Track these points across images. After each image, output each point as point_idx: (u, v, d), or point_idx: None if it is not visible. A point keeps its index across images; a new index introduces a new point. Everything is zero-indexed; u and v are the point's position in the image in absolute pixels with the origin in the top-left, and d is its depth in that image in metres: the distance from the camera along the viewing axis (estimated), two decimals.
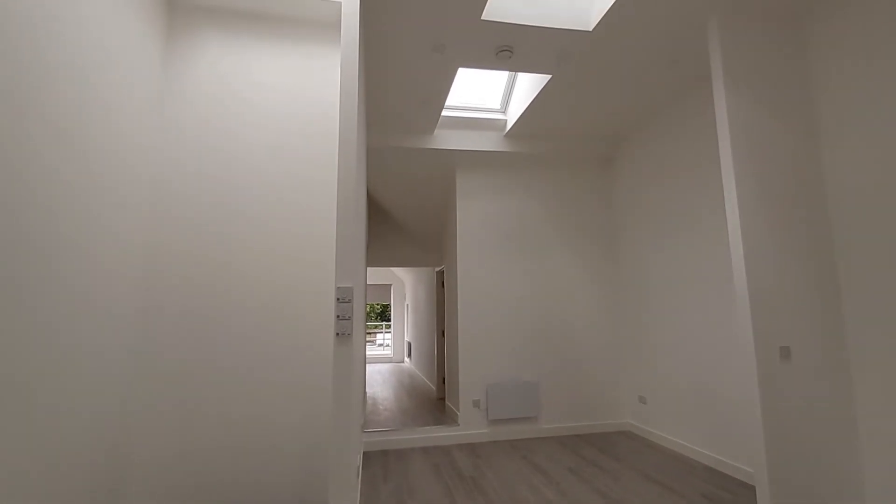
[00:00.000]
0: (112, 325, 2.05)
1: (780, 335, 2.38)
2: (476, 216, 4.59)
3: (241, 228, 2.50)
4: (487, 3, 2.65)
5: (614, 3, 2.59)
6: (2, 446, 1.43)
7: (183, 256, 2.41)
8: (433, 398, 6.34)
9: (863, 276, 2.35)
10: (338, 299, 1.85)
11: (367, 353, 11.96)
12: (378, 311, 19.55)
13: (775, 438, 2.27)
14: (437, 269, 6.80)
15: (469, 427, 4.22)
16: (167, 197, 2.44)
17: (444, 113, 4.23)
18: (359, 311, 2.32)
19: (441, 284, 6.66)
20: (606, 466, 3.41)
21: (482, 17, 2.71)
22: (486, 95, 4.41)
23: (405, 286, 12.28)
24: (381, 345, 14.99)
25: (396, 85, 3.48)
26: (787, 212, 2.50)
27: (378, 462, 3.65)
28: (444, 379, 6.20)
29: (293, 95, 2.67)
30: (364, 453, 3.85)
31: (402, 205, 5.82)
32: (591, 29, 2.83)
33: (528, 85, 3.85)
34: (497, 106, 4.41)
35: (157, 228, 2.40)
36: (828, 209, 2.54)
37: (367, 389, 7.28)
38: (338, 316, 1.85)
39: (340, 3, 2.45)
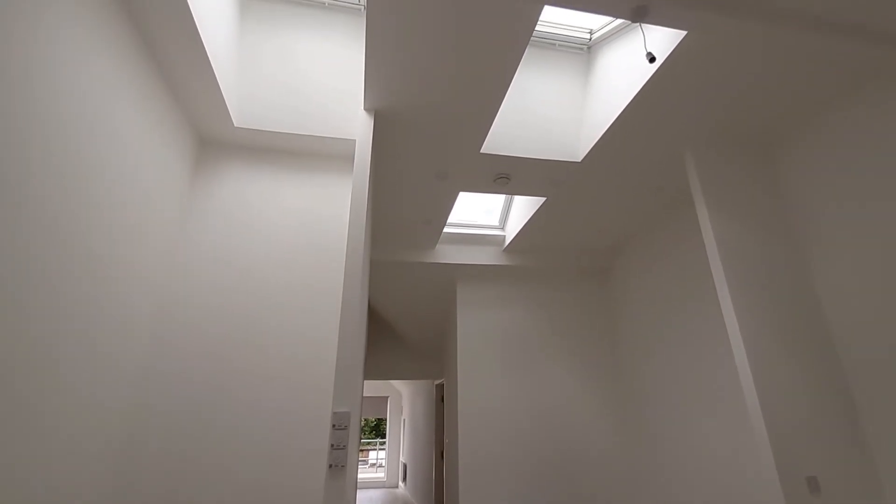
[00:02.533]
0: (104, 423, 1.92)
1: (805, 464, 2.22)
2: (477, 328, 4.56)
3: (242, 342, 2.48)
4: (486, 139, 2.95)
5: (600, 138, 2.89)
6: None
7: (182, 363, 2.37)
8: None
9: (875, 387, 2.27)
10: (333, 426, 1.76)
11: (359, 475, 10.93)
12: (372, 426, 18.29)
13: None
14: (437, 382, 6.55)
15: None
16: (173, 306, 2.46)
17: (446, 230, 4.46)
18: (354, 437, 2.19)
19: (440, 399, 6.36)
20: None
21: (481, 151, 3.00)
22: (485, 213, 4.69)
23: (402, 398, 11.67)
24: (373, 465, 13.76)
25: (402, 206, 3.72)
26: (789, 329, 2.50)
27: None
28: None
29: (304, 222, 2.83)
30: None
31: (403, 316, 5.82)
32: (580, 160, 3.11)
33: (525, 204, 4.12)
34: (496, 223, 4.66)
35: (159, 349, 2.38)
36: (828, 323, 2.54)
37: None
38: (332, 445, 1.74)
39: (355, 140, 2.74)
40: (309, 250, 2.76)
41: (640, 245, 4.41)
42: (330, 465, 1.71)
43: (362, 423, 15.88)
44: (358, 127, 2.48)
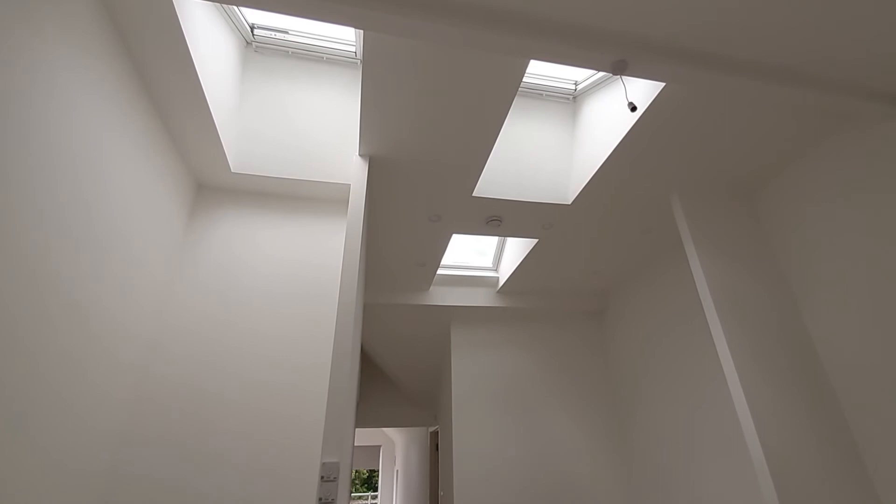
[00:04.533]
0: (76, 484, 1.81)
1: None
2: (472, 371, 4.47)
3: (226, 396, 2.40)
4: (478, 183, 3.02)
5: (588, 182, 2.97)
6: None
7: (162, 417, 2.27)
8: None
9: (874, 428, 2.22)
10: (322, 477, 1.69)
11: None
12: (364, 478, 17.43)
13: None
14: (432, 429, 6.33)
15: None
16: (157, 355, 2.40)
17: (439, 271, 4.46)
18: (343, 489, 2.09)
19: (435, 447, 6.12)
20: None
21: (473, 194, 3.06)
22: (479, 255, 4.72)
23: (396, 447, 11.20)
24: None
25: (396, 249, 3.74)
26: (785, 369, 2.47)
27: None
28: None
29: (297, 268, 2.81)
30: None
31: (397, 361, 5.70)
32: (570, 203, 3.18)
33: (518, 246, 4.16)
34: (489, 264, 4.68)
35: (139, 407, 2.30)
36: (822, 362, 2.52)
37: None
38: (320, 498, 1.66)
39: (350, 184, 2.79)
40: (302, 298, 2.74)
41: (633, 286, 4.43)
42: None
43: (353, 476, 15.15)
44: (353, 172, 2.53)
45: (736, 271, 2.74)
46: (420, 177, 2.86)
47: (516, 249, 4.18)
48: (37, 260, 1.59)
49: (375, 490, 12.48)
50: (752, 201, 3.05)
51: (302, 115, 2.97)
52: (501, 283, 4.51)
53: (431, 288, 4.52)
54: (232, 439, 2.30)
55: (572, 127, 3.28)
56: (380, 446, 11.70)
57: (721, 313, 2.57)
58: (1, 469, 1.49)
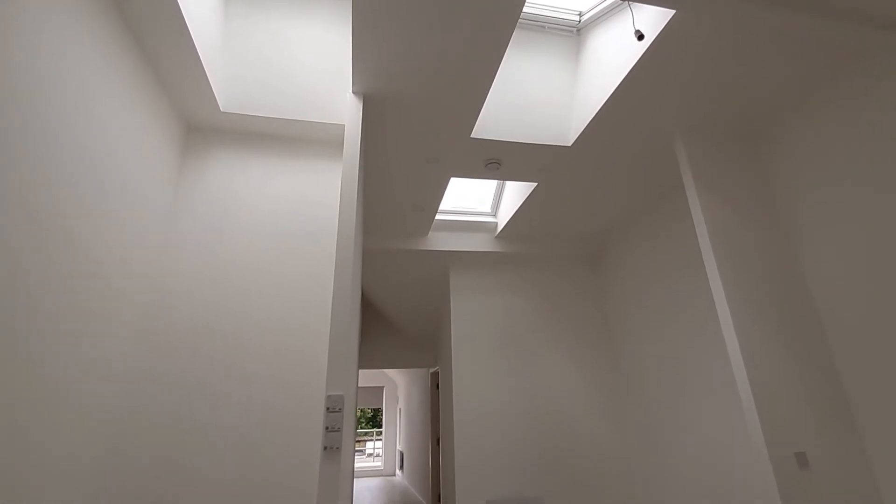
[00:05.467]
0: (88, 421, 1.91)
1: (794, 439, 2.26)
2: (470, 315, 4.57)
3: (232, 332, 2.46)
4: (476, 123, 2.94)
5: (590, 122, 2.88)
6: None
7: (170, 356, 2.34)
8: None
9: (860, 365, 2.32)
10: (328, 408, 1.77)
11: (356, 464, 10.99)
12: (369, 416, 18.39)
13: None
14: (432, 370, 6.58)
15: None
16: (162, 296, 2.44)
17: (438, 217, 4.44)
18: (349, 421, 2.20)
19: (436, 386, 6.40)
20: None
21: (472, 136, 2.99)
22: (477, 199, 4.68)
23: (398, 388, 11.73)
24: (370, 454, 13.85)
25: (393, 193, 3.70)
26: (778, 310, 2.53)
27: None
28: (439, 495, 5.65)
29: (294, 208, 2.79)
30: None
31: (397, 305, 5.82)
32: (570, 144, 3.11)
33: (517, 190, 4.12)
34: (488, 209, 4.66)
35: (147, 324, 2.36)
36: (815, 304, 2.58)
37: None
38: (327, 427, 1.74)
39: (343, 125, 2.71)
40: (300, 237, 2.74)
41: (632, 230, 4.44)
42: (325, 448, 1.72)
43: (358, 414, 15.97)
44: (346, 111, 2.45)
45: (735, 214, 2.73)
46: (416, 116, 2.77)
47: (515, 194, 4.14)
48: (39, 198, 1.57)
49: (380, 427, 13.20)
50: (757, 143, 2.98)
51: (292, 50, 2.82)
52: (500, 228, 4.51)
53: (430, 233, 4.52)
54: (239, 376, 2.39)
55: (575, 63, 3.13)
56: (382, 387, 12.24)
57: (718, 255, 2.59)
58: (20, 402, 1.55)
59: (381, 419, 12.55)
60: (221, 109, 2.65)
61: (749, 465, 3.00)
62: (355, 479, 9.79)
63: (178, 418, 2.26)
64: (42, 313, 1.64)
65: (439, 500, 5.63)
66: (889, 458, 2.19)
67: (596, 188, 3.75)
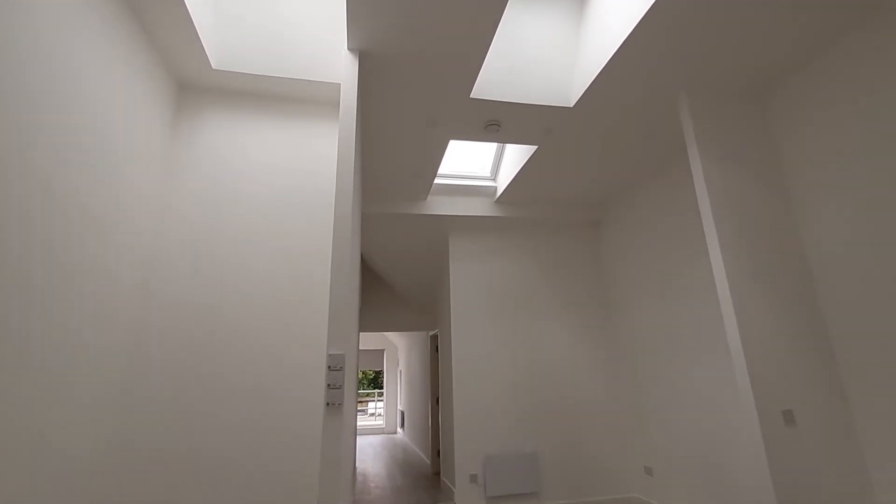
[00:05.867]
0: (98, 370, 1.97)
1: (782, 398, 2.34)
2: (469, 279, 4.61)
3: (233, 290, 2.49)
4: (476, 83, 2.86)
5: (593, 81, 2.80)
6: None
7: (173, 312, 2.38)
8: (428, 474, 5.97)
9: (852, 332, 2.36)
10: (329, 367, 1.81)
11: (359, 423, 11.39)
12: (370, 378, 18.88)
13: None
14: (431, 333, 6.70)
15: None
16: (163, 254, 2.45)
17: (437, 181, 4.40)
18: (350, 380, 2.26)
19: (435, 349, 6.53)
20: None
21: (471, 96, 2.91)
22: (476, 163, 4.62)
23: (398, 351, 11.99)
24: (372, 414, 14.32)
25: (391, 156, 3.65)
26: (773, 272, 2.55)
27: None
28: (438, 451, 5.88)
29: (292, 169, 2.77)
30: None
31: (396, 269, 5.86)
32: (572, 105, 3.04)
33: (517, 153, 4.06)
34: (487, 174, 4.61)
35: (149, 281, 2.39)
36: (810, 268, 2.60)
37: (358, 464, 6.85)
38: (328, 384, 1.79)
39: (339, 84, 2.64)
40: (298, 197, 2.72)
41: (631, 196, 4.41)
42: (327, 404, 1.77)
43: (360, 376, 16.37)
44: (342, 68, 2.38)
45: (737, 177, 2.70)
46: (414, 75, 2.69)
47: (515, 158, 4.08)
48: (19, 170, 1.55)
49: (381, 388, 13.58)
50: (763, 104, 2.91)
51: (286, 6, 2.71)
52: (499, 192, 4.48)
53: (429, 197, 4.49)
54: (240, 339, 2.43)
55: (578, 20, 3.02)
56: (383, 350, 12.51)
57: (717, 218, 2.59)
58: (8, 393, 1.58)
59: (383, 381, 12.88)
60: (213, 67, 2.57)
61: (738, 424, 3.11)
62: (358, 437, 10.16)
63: (181, 365, 2.32)
64: (47, 270, 1.65)
65: (439, 456, 5.87)
66: (873, 418, 2.27)
67: (597, 153, 3.69)
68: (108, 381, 2.09)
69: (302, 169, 2.78)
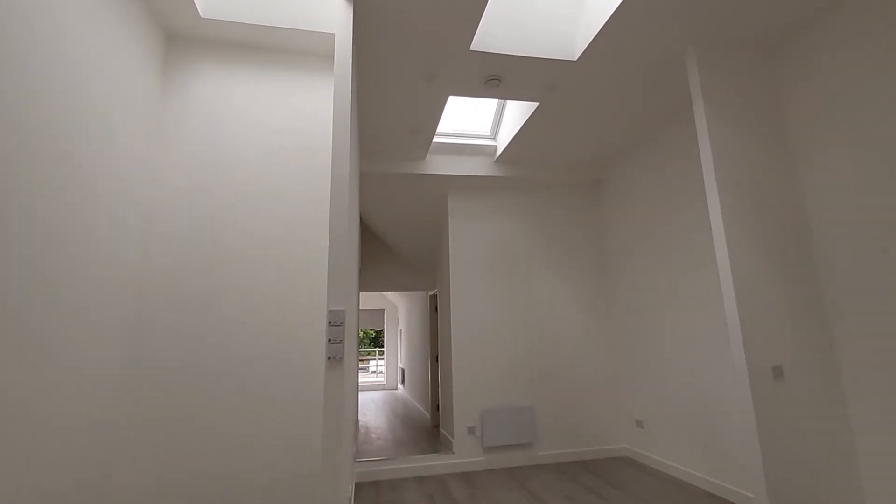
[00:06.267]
0: (100, 337, 2.02)
1: (772, 354, 2.39)
2: (468, 240, 4.62)
3: (232, 250, 2.49)
4: (476, 35, 2.74)
5: (598, 33, 2.69)
6: None
7: (173, 275, 2.40)
8: (427, 426, 6.21)
9: (847, 292, 2.39)
10: (329, 323, 1.84)
11: (360, 380, 11.74)
12: (371, 338, 19.31)
13: (773, 459, 2.25)
14: (431, 293, 6.78)
15: (464, 455, 4.13)
16: (159, 215, 2.44)
17: (436, 139, 4.32)
18: (351, 336, 2.30)
19: (434, 308, 6.63)
20: (605, 494, 3.34)
21: (471, 48, 2.80)
22: (476, 122, 4.51)
23: (398, 311, 12.19)
24: (373, 371, 14.75)
25: (389, 113, 3.56)
26: (772, 235, 2.55)
27: (370, 493, 3.54)
28: (438, 406, 6.10)
29: (286, 124, 2.71)
30: (356, 484, 3.73)
31: (395, 229, 5.85)
32: (576, 59, 2.93)
33: (517, 112, 3.96)
34: (487, 132, 4.51)
35: (148, 245, 2.39)
36: (810, 228, 2.60)
37: (360, 418, 7.12)
38: (329, 339, 1.83)
39: (333, 34, 2.54)
40: (293, 152, 2.67)
41: (634, 157, 4.34)
42: (328, 358, 1.82)
43: (362, 335, 16.71)
44: (336, 17, 2.27)
45: (741, 133, 2.65)
46: (412, 26, 2.58)
47: (516, 115, 3.99)
48: (6, 128, 1.50)
49: (382, 347, 13.91)
50: (772, 59, 2.81)
51: None
52: (499, 151, 4.40)
53: (428, 156, 4.42)
54: (241, 296, 2.46)
55: None
56: (383, 310, 12.72)
57: (719, 175, 2.56)
58: (26, 320, 1.61)
59: (383, 340, 13.17)
60: (201, 15, 2.45)
61: (728, 380, 3.21)
62: (360, 393, 10.51)
63: (187, 334, 2.36)
64: (42, 230, 1.65)
65: (438, 410, 6.08)
66: (860, 376, 2.33)
67: (600, 110, 3.60)
68: (109, 346, 2.12)
69: (299, 123, 2.72)
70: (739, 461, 3.10)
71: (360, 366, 11.46)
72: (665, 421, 3.85)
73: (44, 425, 1.68)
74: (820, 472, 2.28)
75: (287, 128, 2.70)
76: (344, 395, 1.85)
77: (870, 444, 2.28)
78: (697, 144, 3.51)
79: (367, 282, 6.98)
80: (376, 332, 18.30)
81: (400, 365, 11.80)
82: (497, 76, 3.12)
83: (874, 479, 2.25)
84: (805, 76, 2.61)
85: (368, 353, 15.67)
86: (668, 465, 3.77)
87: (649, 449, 4.06)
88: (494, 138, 4.51)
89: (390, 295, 11.58)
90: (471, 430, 4.18)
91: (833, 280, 2.47)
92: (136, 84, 2.29)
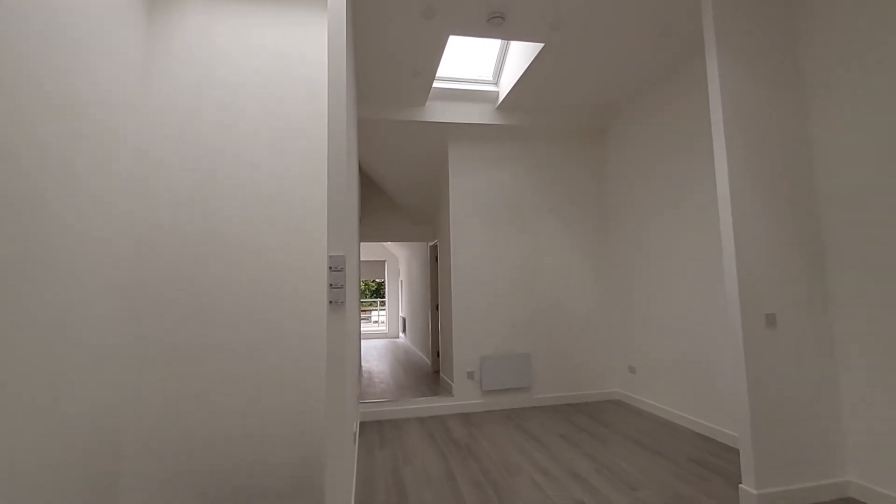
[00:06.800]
0: (101, 309, 2.05)
1: (766, 303, 2.43)
2: (468, 189, 4.57)
3: (227, 201, 2.48)
4: None
5: None
6: None
7: (168, 233, 2.39)
8: (428, 371, 6.44)
9: (847, 247, 2.39)
10: (330, 268, 1.86)
11: (363, 329, 12.05)
12: (373, 289, 19.60)
13: (759, 403, 2.34)
14: (431, 243, 6.81)
15: (463, 398, 4.31)
16: (151, 167, 2.40)
17: (436, 84, 4.16)
18: (352, 283, 2.33)
19: (434, 259, 6.69)
20: (596, 432, 3.52)
21: None
22: (478, 66, 4.33)
23: (399, 262, 12.30)
24: (376, 321, 15.10)
25: (387, 54, 3.41)
26: (776, 183, 2.52)
27: (374, 431, 3.73)
28: (438, 353, 6.29)
29: (281, 59, 2.60)
30: (360, 423, 3.93)
31: (395, 178, 5.78)
32: None
33: (521, 55, 3.79)
34: (489, 77, 4.34)
35: (141, 200, 2.38)
36: (814, 180, 2.56)
37: (363, 364, 7.37)
38: (330, 284, 1.86)
39: None
40: (287, 94, 2.59)
41: (640, 104, 4.20)
42: (330, 302, 1.85)
43: (363, 286, 16.94)
44: None
45: (754, 79, 2.54)
46: None
47: (519, 59, 3.82)
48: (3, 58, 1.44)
49: (383, 298, 14.16)
50: (789, 4, 2.65)
51: None
52: (501, 98, 4.26)
53: (428, 103, 4.28)
54: (239, 249, 2.47)
55: None
56: (384, 261, 12.83)
57: (727, 121, 2.48)
58: (26, 294, 1.61)
59: (385, 292, 13.38)
60: None
61: (721, 328, 3.28)
62: (363, 341, 10.82)
63: (176, 288, 2.39)
64: (45, 168, 1.62)
65: (438, 357, 6.29)
66: (853, 329, 2.38)
67: (607, 51, 3.44)
68: (113, 282, 2.15)
69: (293, 62, 2.61)
70: (726, 403, 3.24)
71: (361, 316, 11.70)
72: (657, 366, 3.99)
73: (41, 404, 1.67)
74: (804, 416, 2.39)
75: (280, 65, 2.59)
76: (345, 336, 1.91)
77: (854, 393, 2.36)
78: (706, 91, 3.39)
79: (368, 232, 6.99)
80: (378, 283, 18.56)
81: (401, 314, 12.06)
82: (500, 13, 2.95)
83: (856, 427, 2.36)
84: (822, 19, 2.47)
85: (370, 304, 15.98)
86: (658, 408, 3.95)
87: (641, 393, 4.23)
88: (496, 84, 4.35)
89: (391, 246, 11.64)
90: (470, 375, 4.34)
91: (834, 233, 2.46)
92: (120, 22, 2.18)
